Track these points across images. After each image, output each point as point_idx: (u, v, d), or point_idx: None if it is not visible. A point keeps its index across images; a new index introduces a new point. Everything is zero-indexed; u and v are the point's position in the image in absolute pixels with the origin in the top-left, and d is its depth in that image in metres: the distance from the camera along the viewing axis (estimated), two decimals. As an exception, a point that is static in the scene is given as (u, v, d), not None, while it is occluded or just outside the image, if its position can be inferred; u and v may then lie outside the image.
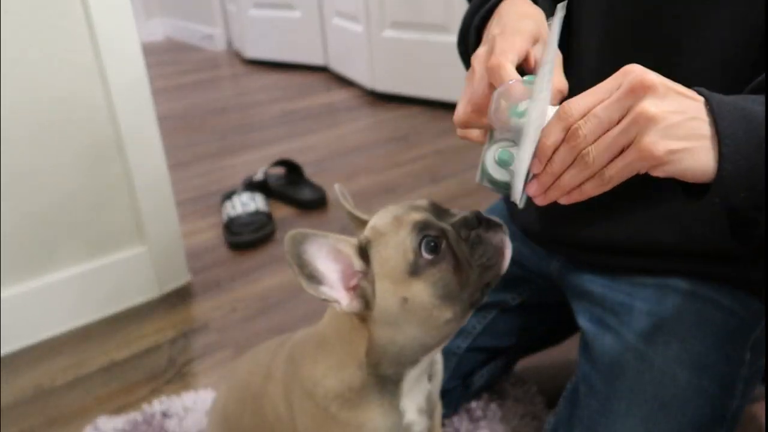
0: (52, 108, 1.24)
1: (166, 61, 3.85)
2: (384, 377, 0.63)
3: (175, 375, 1.21)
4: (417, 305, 0.58)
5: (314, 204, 1.83)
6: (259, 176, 1.93)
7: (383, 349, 0.61)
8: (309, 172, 2.03)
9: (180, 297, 1.46)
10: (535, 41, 0.62)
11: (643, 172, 0.53)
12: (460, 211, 0.63)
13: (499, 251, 0.60)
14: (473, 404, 1.03)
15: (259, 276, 1.52)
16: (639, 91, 0.50)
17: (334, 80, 3.20)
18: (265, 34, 3.50)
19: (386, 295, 0.58)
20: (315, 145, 2.36)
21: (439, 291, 0.58)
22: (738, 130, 0.51)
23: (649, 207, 0.74)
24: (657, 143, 0.50)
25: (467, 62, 0.71)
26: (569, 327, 0.99)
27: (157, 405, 1.10)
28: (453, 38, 2.71)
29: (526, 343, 1.02)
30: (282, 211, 1.84)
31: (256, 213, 1.71)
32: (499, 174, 0.56)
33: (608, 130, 0.51)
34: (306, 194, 1.87)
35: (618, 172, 0.52)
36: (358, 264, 0.59)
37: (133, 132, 1.33)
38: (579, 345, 0.85)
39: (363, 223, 0.66)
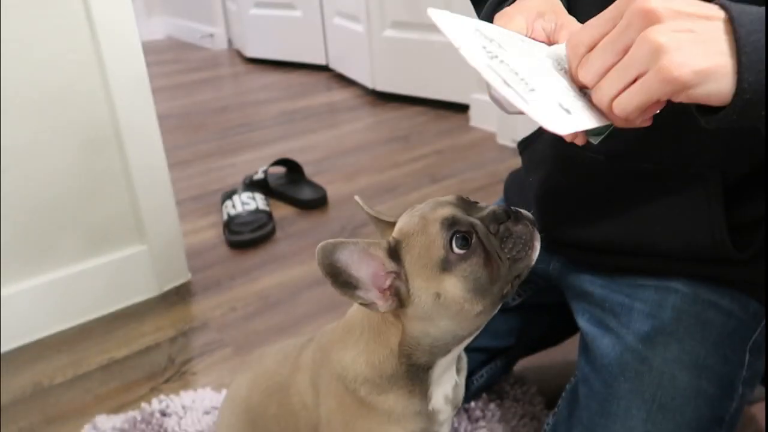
0: (52, 106, 1.24)
1: (167, 60, 3.85)
2: (416, 365, 0.65)
3: (175, 374, 1.21)
4: (450, 300, 0.59)
5: (314, 203, 1.84)
6: (259, 175, 1.93)
7: (416, 341, 0.63)
8: (309, 171, 2.03)
9: (180, 296, 1.46)
10: (541, 15, 0.61)
11: (664, 99, 0.48)
12: (488, 205, 0.63)
13: (529, 243, 0.61)
14: (472, 404, 1.03)
15: (259, 275, 1.52)
16: (644, 21, 0.47)
17: (334, 80, 3.20)
18: (266, 34, 3.50)
19: (419, 292, 0.60)
20: (315, 145, 2.36)
21: (470, 285, 0.59)
22: (761, 40, 0.46)
23: (648, 208, 0.74)
24: (676, 65, 0.45)
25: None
26: (569, 327, 0.99)
27: (156, 404, 1.10)
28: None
29: (525, 343, 1.02)
30: (282, 211, 1.84)
31: (256, 212, 1.71)
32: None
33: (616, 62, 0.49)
34: (306, 193, 1.87)
35: (635, 100, 0.48)
36: (390, 265, 0.60)
37: (134, 131, 1.33)
38: (579, 346, 0.85)
39: (387, 225, 0.68)
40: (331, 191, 1.92)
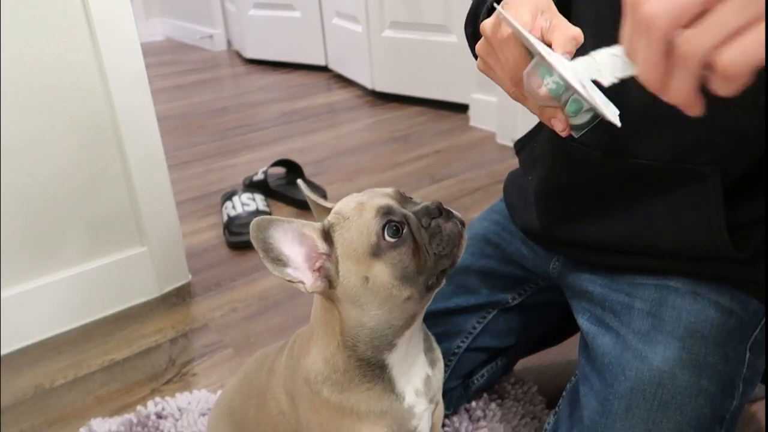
0: (52, 108, 1.24)
1: (166, 61, 3.85)
2: (366, 361, 0.66)
3: (176, 375, 1.21)
4: (377, 284, 0.61)
5: (314, 204, 1.83)
6: (259, 176, 1.93)
7: (355, 330, 0.65)
8: (309, 172, 2.03)
9: (180, 297, 1.46)
10: (541, 11, 0.61)
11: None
12: (422, 201, 0.66)
13: (455, 241, 0.63)
14: (473, 404, 1.03)
15: (259, 276, 1.52)
16: None
17: (334, 80, 3.20)
18: (265, 34, 3.50)
19: (349, 274, 0.62)
20: (315, 145, 2.36)
21: (398, 272, 0.61)
22: None
23: (647, 206, 0.74)
24: None
25: (473, 44, 0.70)
26: (569, 327, 0.99)
27: (152, 406, 1.10)
28: (453, 38, 2.70)
29: (526, 343, 1.02)
30: (282, 211, 1.84)
31: (256, 213, 1.71)
32: (580, 119, 0.58)
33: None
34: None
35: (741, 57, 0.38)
36: (321, 246, 0.63)
37: (133, 132, 1.33)
38: (579, 345, 0.85)
39: (325, 211, 0.69)
40: (331, 191, 1.92)
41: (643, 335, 0.73)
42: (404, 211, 0.63)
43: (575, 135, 0.59)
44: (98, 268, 1.37)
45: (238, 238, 1.65)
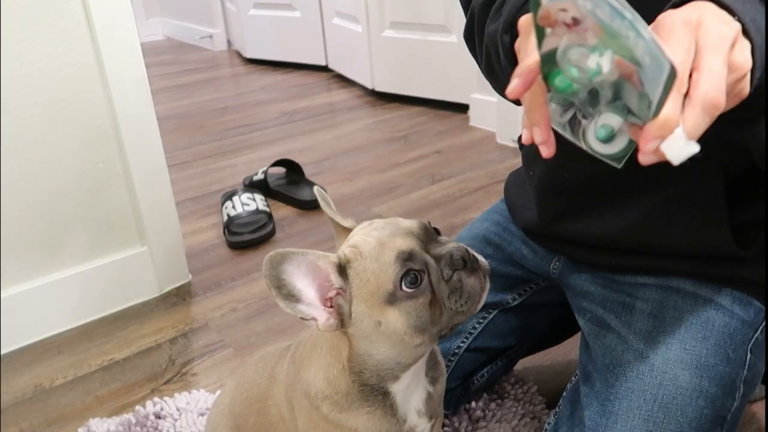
0: (51, 108, 1.24)
1: (166, 61, 3.85)
2: (370, 387, 0.65)
3: (176, 375, 1.21)
4: (390, 330, 0.60)
5: (314, 204, 1.83)
6: (259, 176, 1.93)
7: (362, 358, 0.63)
8: (309, 172, 2.03)
9: (180, 297, 1.46)
10: None
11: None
12: (448, 241, 0.62)
13: (476, 298, 0.61)
14: (473, 404, 1.03)
15: (259, 276, 1.52)
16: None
17: (334, 80, 3.20)
18: (265, 34, 3.50)
19: (362, 316, 0.60)
20: (315, 145, 2.36)
21: (412, 321, 0.59)
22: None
23: (650, 202, 0.74)
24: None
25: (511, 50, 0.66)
26: (569, 327, 0.99)
27: (151, 406, 1.10)
28: (453, 38, 2.70)
29: (526, 343, 1.02)
30: (282, 211, 1.84)
31: (256, 213, 1.71)
32: (606, 149, 0.49)
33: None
34: (306, 194, 1.87)
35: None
36: (336, 280, 0.60)
37: (133, 132, 1.33)
38: (579, 345, 0.85)
39: (343, 230, 0.67)
40: (331, 191, 1.92)
41: (644, 336, 0.73)
42: (426, 257, 0.59)
43: (616, 165, 0.50)
44: (98, 268, 1.37)
45: (238, 238, 1.65)
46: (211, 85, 3.29)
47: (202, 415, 1.07)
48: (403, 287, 0.58)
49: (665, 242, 0.75)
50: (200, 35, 4.12)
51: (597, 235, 0.79)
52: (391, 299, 0.58)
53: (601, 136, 0.47)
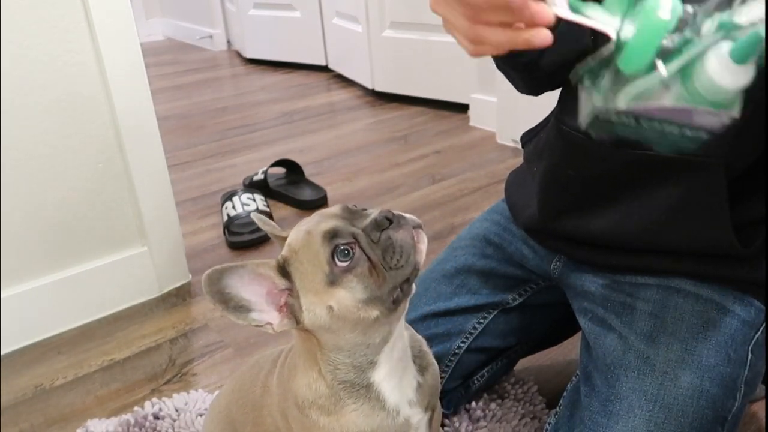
0: (52, 108, 1.23)
1: (166, 61, 3.85)
2: (349, 383, 0.64)
3: (176, 375, 1.21)
4: (343, 311, 0.60)
5: (314, 204, 1.83)
6: (259, 176, 1.93)
7: (334, 355, 0.63)
8: (309, 172, 2.03)
9: (180, 297, 1.46)
10: None
11: None
12: (372, 211, 0.63)
13: (410, 250, 0.60)
14: (473, 404, 1.03)
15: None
16: None
17: (334, 80, 3.20)
18: (265, 34, 3.50)
19: (312, 307, 0.60)
20: (315, 145, 2.36)
21: (358, 294, 0.59)
22: None
23: (652, 199, 0.74)
24: None
25: None
26: (569, 327, 0.99)
27: (149, 407, 1.10)
28: (453, 38, 2.67)
29: (526, 343, 1.02)
30: (282, 211, 1.84)
31: (256, 212, 1.71)
32: (738, 77, 0.40)
33: None
34: (306, 194, 1.87)
35: None
36: (281, 282, 0.61)
37: (133, 132, 1.33)
38: (580, 345, 0.85)
39: (284, 240, 0.67)
40: (331, 191, 1.92)
41: (645, 336, 0.73)
42: (352, 229, 0.60)
43: (733, 112, 0.42)
44: (98, 268, 1.37)
45: (238, 238, 1.65)
46: (211, 85, 3.29)
47: (200, 415, 1.07)
48: (338, 263, 0.59)
49: (666, 240, 0.75)
50: (200, 35, 4.12)
51: (598, 233, 0.79)
52: (332, 279, 0.59)
53: (737, 54, 0.39)
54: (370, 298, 0.59)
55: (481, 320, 0.95)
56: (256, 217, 0.72)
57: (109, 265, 1.38)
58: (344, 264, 0.59)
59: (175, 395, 1.12)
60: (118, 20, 1.26)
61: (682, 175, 0.71)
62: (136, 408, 1.10)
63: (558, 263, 0.88)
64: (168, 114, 2.76)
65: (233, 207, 1.73)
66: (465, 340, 0.95)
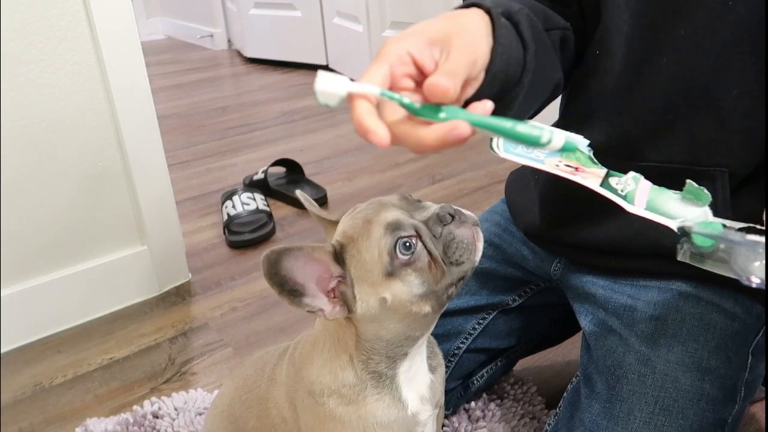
0: (52, 108, 1.23)
1: (167, 60, 3.85)
2: (377, 373, 0.64)
3: (175, 374, 1.21)
4: (396, 304, 0.59)
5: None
6: (259, 175, 1.93)
7: (371, 344, 0.63)
8: (309, 171, 2.03)
9: (180, 296, 1.46)
10: (433, 44, 0.54)
11: None
12: (431, 204, 0.63)
13: (471, 247, 0.60)
14: (473, 404, 1.03)
15: (259, 275, 1.52)
16: None
17: (334, 80, 3.19)
18: (266, 34, 3.50)
19: (366, 297, 0.60)
20: (315, 145, 2.36)
21: (415, 289, 0.59)
22: None
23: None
24: None
25: None
26: (569, 327, 0.99)
27: (148, 406, 1.10)
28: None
29: (526, 343, 1.02)
30: (282, 211, 1.84)
31: (256, 212, 1.71)
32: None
33: None
34: (306, 194, 1.86)
35: None
36: (335, 269, 0.60)
37: (134, 131, 1.33)
38: (581, 347, 0.84)
39: (331, 224, 0.68)
40: (332, 191, 1.92)
41: (646, 338, 0.73)
42: (414, 221, 0.60)
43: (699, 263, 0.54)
44: (98, 267, 1.37)
45: (238, 237, 1.65)
46: (212, 85, 3.29)
47: (199, 414, 1.07)
48: (399, 256, 0.58)
49: (668, 244, 0.75)
50: (201, 34, 4.11)
51: (600, 239, 0.79)
52: (391, 271, 0.58)
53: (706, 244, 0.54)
54: (426, 293, 0.59)
55: (481, 321, 0.95)
56: (301, 195, 0.71)
57: (108, 264, 1.38)
58: (405, 257, 0.58)
59: (174, 394, 1.12)
60: (118, 19, 1.25)
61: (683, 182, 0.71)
62: (135, 407, 1.10)
63: (558, 265, 0.88)
64: (168, 113, 2.76)
65: (233, 206, 1.73)
66: (464, 340, 0.95)
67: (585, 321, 0.82)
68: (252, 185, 1.91)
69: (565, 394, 0.84)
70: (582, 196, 0.80)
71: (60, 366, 1.25)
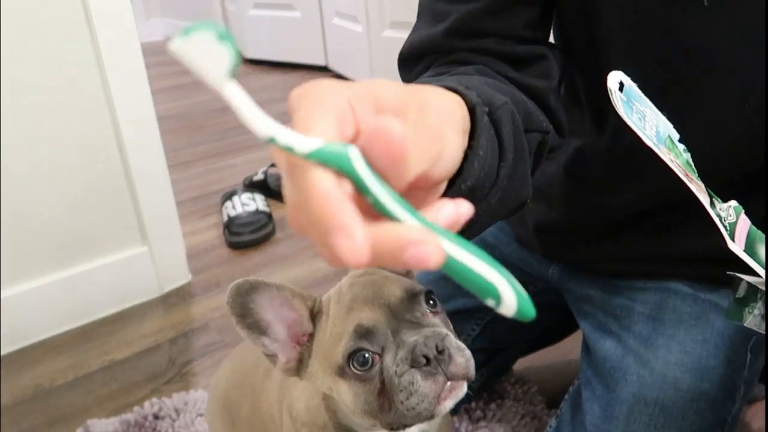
0: (51, 108, 1.23)
1: (166, 61, 3.84)
2: (344, 426, 0.60)
3: (176, 375, 1.21)
4: (342, 400, 0.54)
5: (314, 204, 1.83)
6: (259, 176, 1.93)
7: (335, 401, 0.58)
8: (309, 172, 2.02)
9: (180, 297, 1.46)
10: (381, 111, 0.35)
11: None
12: (432, 322, 0.53)
13: (433, 402, 0.49)
14: (473, 404, 1.03)
15: (259, 276, 1.52)
16: None
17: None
18: (265, 34, 3.50)
19: (316, 374, 0.55)
20: (315, 145, 2.36)
21: (360, 404, 0.52)
22: None
23: (653, 225, 0.75)
24: None
25: None
26: (568, 326, 0.99)
27: (149, 407, 1.10)
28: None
29: (524, 343, 1.02)
30: (282, 211, 1.84)
31: (256, 213, 1.71)
32: None
33: None
34: (306, 194, 1.86)
35: None
36: (308, 326, 0.56)
37: (133, 132, 1.33)
38: (581, 348, 0.85)
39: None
40: (331, 192, 1.92)
41: (644, 339, 0.73)
42: (386, 340, 0.51)
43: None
44: (98, 268, 1.37)
45: (238, 238, 1.65)
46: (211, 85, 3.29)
47: (200, 415, 1.07)
48: (352, 366, 0.51)
49: (665, 251, 0.75)
50: (200, 35, 4.11)
51: (597, 255, 0.79)
52: (341, 372, 0.52)
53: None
54: (369, 412, 0.52)
55: (479, 321, 0.95)
56: None
57: (109, 265, 1.38)
58: (358, 371, 0.51)
59: (175, 395, 1.12)
60: (118, 20, 1.25)
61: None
62: (136, 408, 1.10)
63: (556, 269, 0.88)
64: (168, 114, 2.76)
65: (233, 207, 1.73)
66: (463, 341, 0.95)
67: (584, 323, 0.82)
68: (252, 186, 1.91)
69: (566, 396, 0.84)
70: (578, 230, 0.80)
71: (60, 367, 1.25)
